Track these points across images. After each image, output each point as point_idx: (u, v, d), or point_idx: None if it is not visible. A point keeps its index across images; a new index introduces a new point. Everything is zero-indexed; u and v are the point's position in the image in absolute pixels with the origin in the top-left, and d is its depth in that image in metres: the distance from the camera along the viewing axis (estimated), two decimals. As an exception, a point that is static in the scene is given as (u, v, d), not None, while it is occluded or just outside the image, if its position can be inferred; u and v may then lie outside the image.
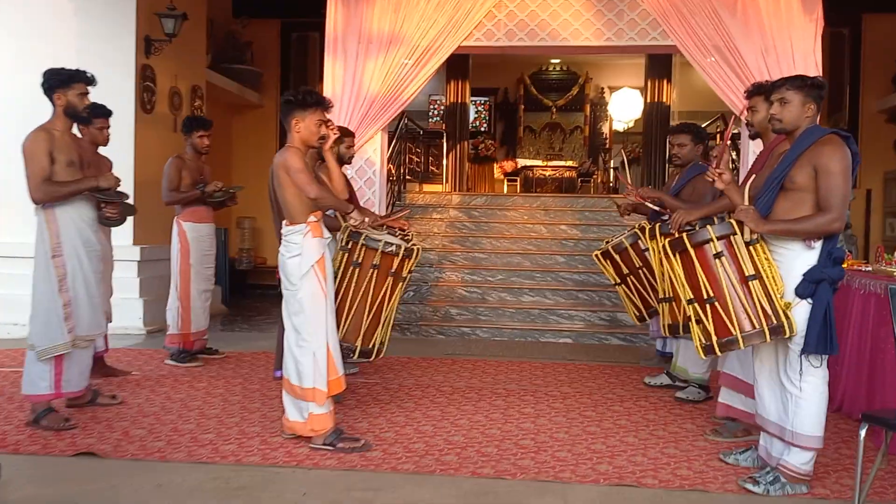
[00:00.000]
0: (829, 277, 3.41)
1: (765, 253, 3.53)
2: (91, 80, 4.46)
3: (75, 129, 4.69)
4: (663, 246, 3.71)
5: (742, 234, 3.50)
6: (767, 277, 3.48)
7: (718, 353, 3.54)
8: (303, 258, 3.88)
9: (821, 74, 6.86)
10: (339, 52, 7.25)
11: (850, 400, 4.78)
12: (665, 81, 11.49)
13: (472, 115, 15.26)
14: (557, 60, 14.95)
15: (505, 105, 15.51)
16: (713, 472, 3.78)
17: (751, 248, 3.50)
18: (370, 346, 4.28)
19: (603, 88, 15.56)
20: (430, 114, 14.11)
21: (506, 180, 15.15)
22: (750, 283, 3.46)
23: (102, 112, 5.26)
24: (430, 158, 12.30)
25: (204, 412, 4.64)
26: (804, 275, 3.44)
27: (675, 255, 3.66)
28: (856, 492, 3.15)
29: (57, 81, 4.35)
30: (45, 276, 4.31)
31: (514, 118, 15.37)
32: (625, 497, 3.47)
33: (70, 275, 4.34)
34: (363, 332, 4.26)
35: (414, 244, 4.41)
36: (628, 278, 5.43)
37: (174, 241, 6.03)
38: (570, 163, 14.59)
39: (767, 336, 3.40)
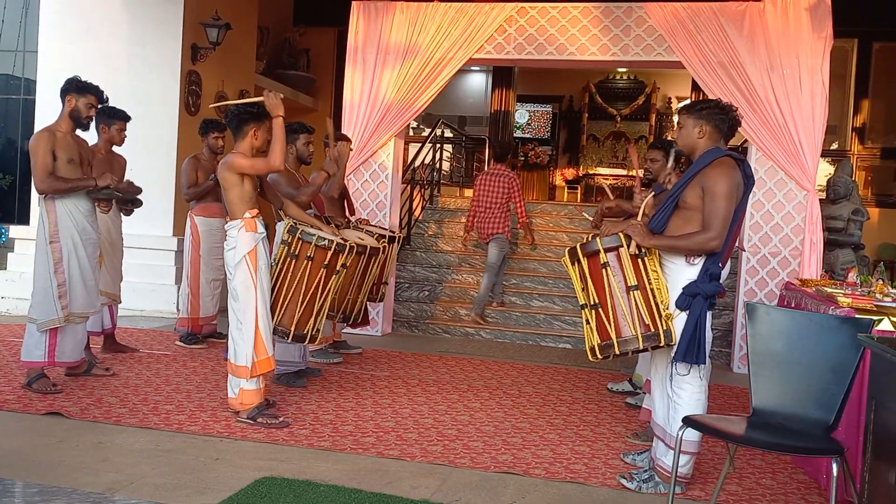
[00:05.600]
0: (703, 292, 3.61)
1: (653, 266, 3.75)
2: (103, 97, 5.10)
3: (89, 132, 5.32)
4: (568, 255, 3.99)
5: (629, 248, 3.74)
6: (653, 289, 3.70)
7: (599, 356, 3.76)
8: (236, 250, 4.37)
9: (827, 92, 6.87)
10: (358, 62, 7.74)
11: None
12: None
13: (524, 122, 15.58)
14: (624, 69, 15.01)
15: (569, 113, 15.71)
16: (605, 469, 4.01)
17: (638, 260, 3.73)
18: (304, 332, 4.69)
19: (670, 98, 15.56)
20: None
21: (566, 188, 15.39)
22: (632, 292, 3.69)
23: (122, 116, 5.88)
24: (476, 164, 12.63)
25: (179, 388, 5.17)
26: (683, 288, 3.66)
27: (573, 264, 3.93)
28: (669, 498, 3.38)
29: (74, 87, 4.98)
30: (44, 259, 4.94)
31: (578, 126, 15.55)
32: (501, 483, 3.75)
33: (65, 258, 4.95)
34: (297, 319, 4.68)
35: (347, 240, 4.77)
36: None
37: (187, 234, 6.63)
38: (632, 172, 14.67)
39: (640, 343, 3.63)
